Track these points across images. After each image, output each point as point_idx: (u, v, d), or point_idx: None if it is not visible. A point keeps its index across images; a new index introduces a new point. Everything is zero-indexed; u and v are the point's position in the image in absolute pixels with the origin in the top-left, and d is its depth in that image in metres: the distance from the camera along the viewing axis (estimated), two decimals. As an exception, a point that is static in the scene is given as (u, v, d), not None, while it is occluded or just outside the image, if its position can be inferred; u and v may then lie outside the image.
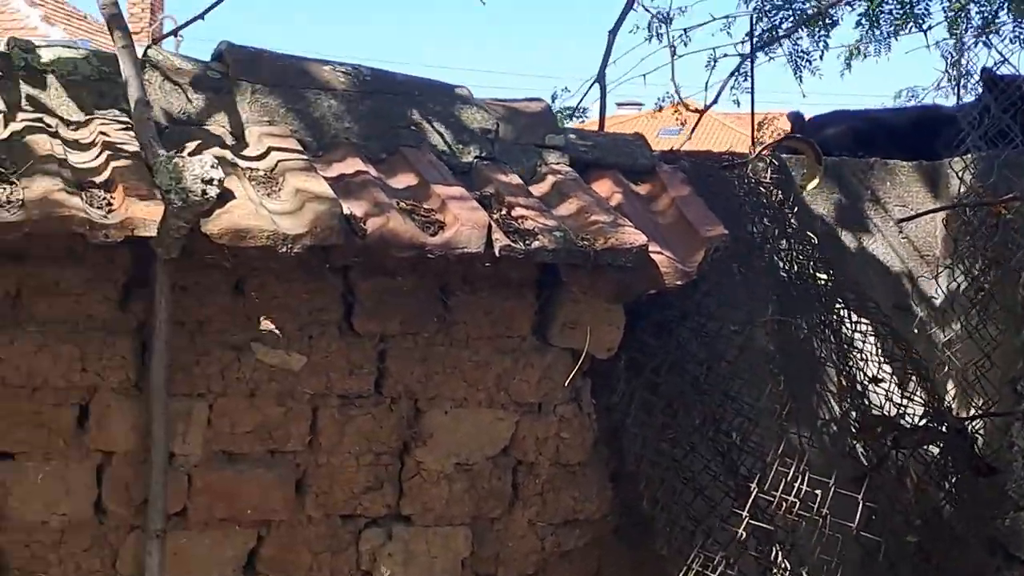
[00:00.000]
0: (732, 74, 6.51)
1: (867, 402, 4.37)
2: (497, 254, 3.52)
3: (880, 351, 4.35)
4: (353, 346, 3.72)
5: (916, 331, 4.54)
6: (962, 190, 4.47)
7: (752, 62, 5.90)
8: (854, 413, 4.41)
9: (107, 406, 3.52)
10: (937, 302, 4.52)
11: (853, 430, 4.38)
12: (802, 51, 6.51)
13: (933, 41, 6.85)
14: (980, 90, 4.74)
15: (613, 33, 5.78)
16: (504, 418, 3.89)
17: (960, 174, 4.41)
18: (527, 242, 3.56)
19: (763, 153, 4.31)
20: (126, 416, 3.54)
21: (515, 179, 3.90)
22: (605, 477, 4.07)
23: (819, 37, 6.49)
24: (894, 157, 4.66)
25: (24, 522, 3.50)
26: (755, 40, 6.28)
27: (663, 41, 6.77)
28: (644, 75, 6.62)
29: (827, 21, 6.48)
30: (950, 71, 6.74)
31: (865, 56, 7.02)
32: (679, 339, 4.07)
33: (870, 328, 4.32)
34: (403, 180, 3.76)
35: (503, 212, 3.68)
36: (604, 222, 3.68)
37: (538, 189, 3.90)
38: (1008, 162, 4.36)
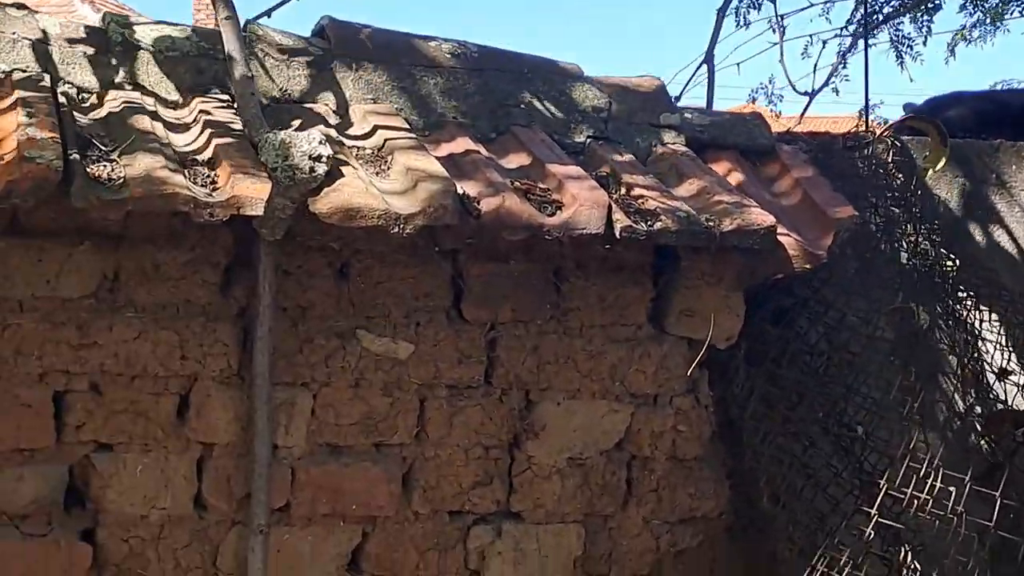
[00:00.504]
0: (841, 56, 6.25)
1: (994, 395, 4.15)
2: (618, 235, 3.33)
3: (1011, 341, 4.12)
4: (462, 334, 3.55)
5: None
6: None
7: (866, 41, 5.65)
8: (979, 407, 4.19)
9: (207, 396, 3.37)
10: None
11: (979, 424, 4.16)
12: (904, 36, 6.28)
13: None
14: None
15: (722, 12, 5.57)
16: (619, 410, 3.70)
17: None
18: (649, 223, 3.37)
19: (885, 134, 4.10)
20: (227, 406, 3.38)
21: (631, 158, 3.71)
22: (722, 473, 3.87)
23: (922, 22, 6.24)
24: (1021, 140, 4.43)
25: (123, 515, 3.34)
26: (864, 19, 6.04)
27: (754, 27, 6.54)
28: (738, 64, 6.40)
29: (930, 5, 6.23)
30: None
31: (968, 42, 6.77)
32: (799, 328, 3.86)
33: (1001, 317, 4.09)
34: (515, 160, 3.58)
35: (622, 192, 3.50)
36: (728, 202, 3.48)
37: (655, 169, 3.71)
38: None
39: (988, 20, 6.38)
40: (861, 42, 5.84)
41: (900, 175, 4.07)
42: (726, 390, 3.79)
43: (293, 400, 3.42)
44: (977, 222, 4.31)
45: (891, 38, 6.23)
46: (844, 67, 6.40)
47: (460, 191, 3.24)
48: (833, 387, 3.90)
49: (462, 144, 3.54)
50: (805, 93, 6.20)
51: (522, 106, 3.77)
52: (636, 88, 3.93)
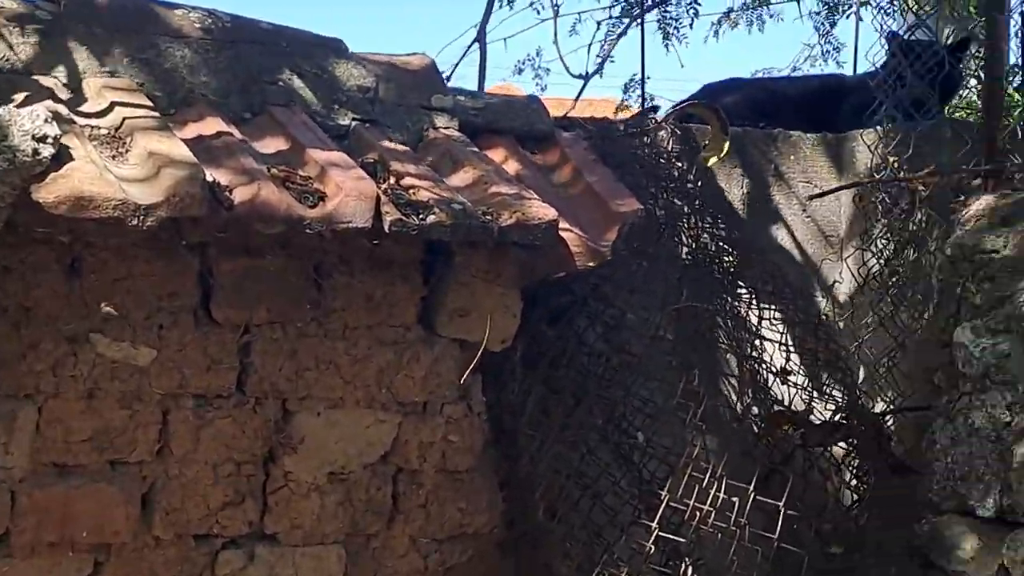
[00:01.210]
0: (616, 37, 5.99)
1: (772, 395, 3.98)
2: (387, 230, 3.01)
3: (791, 340, 3.97)
4: (211, 337, 3.16)
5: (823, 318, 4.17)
6: (874, 164, 4.10)
7: (642, 21, 5.44)
8: (756, 408, 4.02)
9: (-91, 411, 2.91)
10: (842, 287, 4.13)
11: (756, 427, 3.98)
12: (671, 18, 6.09)
13: (806, 11, 6.50)
14: (883, 58, 4.38)
15: None
16: (385, 420, 3.37)
17: (873, 147, 4.04)
18: (421, 216, 3.06)
19: (665, 120, 3.87)
20: (-66, 422, 2.93)
21: (400, 145, 3.39)
22: (496, 485, 3.58)
23: (689, 3, 6.06)
24: (795, 129, 4.27)
25: None
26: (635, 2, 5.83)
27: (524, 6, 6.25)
28: (506, 39, 6.12)
29: None
30: (821, 44, 6.41)
31: (735, 26, 6.64)
32: (578, 328, 3.61)
33: (783, 315, 3.93)
34: (272, 144, 3.22)
35: (392, 182, 3.18)
36: (507, 194, 3.20)
37: (427, 156, 3.39)
38: (924, 134, 4.01)
39: (755, 4, 6.26)
40: (632, 23, 5.63)
41: (682, 164, 3.85)
42: (501, 396, 3.51)
43: (14, 414, 2.99)
44: (757, 215, 4.13)
45: (658, 19, 6.04)
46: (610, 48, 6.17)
47: (210, 179, 2.87)
48: (613, 391, 3.66)
49: (212, 125, 3.16)
50: (580, 76, 5.96)
51: (280, 84, 3.41)
52: (405, 67, 3.60)
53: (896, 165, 3.93)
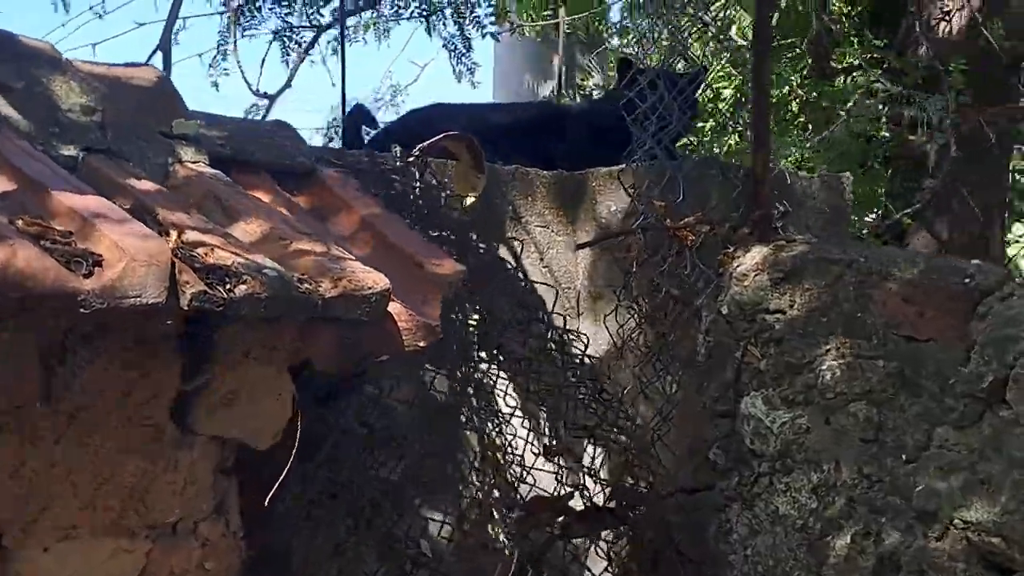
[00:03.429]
0: (304, 53, 5.09)
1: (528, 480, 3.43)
2: (185, 307, 2.22)
3: (548, 411, 3.44)
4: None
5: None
6: (629, 208, 3.64)
7: (342, 33, 4.64)
8: (498, 493, 3.46)
9: None
10: (591, 348, 3.62)
11: (504, 516, 3.42)
12: (292, 27, 5.31)
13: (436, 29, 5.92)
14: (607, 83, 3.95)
15: None
16: (132, 549, 2.53)
17: (631, 188, 3.58)
18: (228, 287, 2.28)
19: (421, 156, 3.22)
20: None
21: (150, 184, 2.56)
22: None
23: (310, 14, 5.31)
24: (513, 163, 3.74)
25: None
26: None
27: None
28: (94, 45, 5.12)
29: None
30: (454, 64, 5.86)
31: (354, 42, 5.95)
32: (342, 406, 2.94)
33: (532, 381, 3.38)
34: (-6, 182, 2.33)
35: (174, 238, 2.36)
36: (316, 254, 2.47)
37: (186, 199, 2.59)
38: (689, 175, 3.60)
39: (378, 21, 5.65)
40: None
41: (442, 205, 3.24)
42: (270, 502, 2.75)
43: None
44: (498, 265, 3.56)
45: (275, 30, 5.29)
46: (224, 58, 5.34)
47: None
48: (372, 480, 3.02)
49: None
50: (265, 95, 5.04)
51: (-19, 100, 2.50)
52: (133, 83, 2.76)
53: (663, 211, 3.48)
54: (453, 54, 5.70)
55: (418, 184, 3.12)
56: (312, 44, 4.86)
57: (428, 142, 3.24)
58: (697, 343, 3.54)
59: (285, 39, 5.25)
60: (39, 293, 2.08)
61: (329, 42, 5.40)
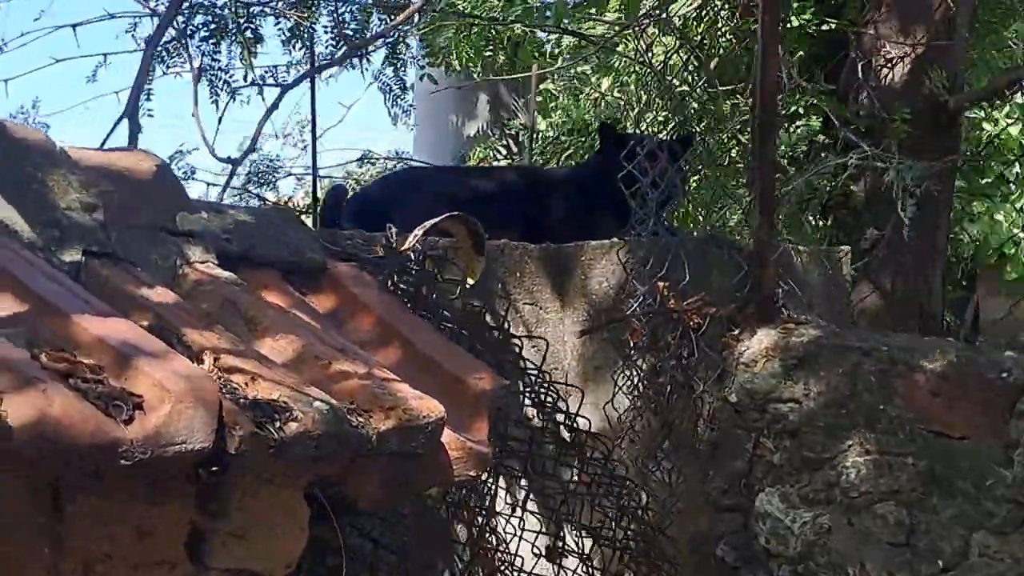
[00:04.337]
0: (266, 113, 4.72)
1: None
2: (235, 451, 1.95)
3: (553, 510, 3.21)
4: None
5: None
6: (604, 286, 3.44)
7: (313, 83, 4.29)
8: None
9: None
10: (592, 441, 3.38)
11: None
12: (220, 68, 4.97)
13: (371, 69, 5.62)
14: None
15: (151, 49, 3.92)
16: None
17: (627, 265, 3.36)
18: (278, 425, 2.01)
19: (420, 241, 2.96)
20: None
21: (165, 293, 2.27)
22: None
23: (242, 52, 4.96)
24: (495, 231, 3.50)
25: None
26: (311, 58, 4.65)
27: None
28: (6, 81, 4.69)
29: (249, 33, 5.01)
30: (390, 106, 5.56)
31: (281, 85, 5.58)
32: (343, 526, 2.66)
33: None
34: None
35: (209, 364, 2.08)
36: (360, 376, 2.21)
37: (203, 310, 2.30)
38: (690, 252, 3.40)
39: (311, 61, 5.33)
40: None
41: (444, 294, 2.99)
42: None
43: None
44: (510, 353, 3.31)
45: (207, 68, 4.93)
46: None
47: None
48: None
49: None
50: (228, 160, 4.63)
51: (-29, 199, 2.18)
52: (130, 174, 2.45)
53: (666, 292, 3.28)
54: (388, 96, 5.45)
55: (423, 271, 2.85)
56: (275, 106, 4.54)
57: (429, 224, 2.98)
58: (699, 431, 3.34)
59: (212, 79, 4.92)
60: (79, 446, 1.80)
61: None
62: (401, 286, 2.78)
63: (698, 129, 5.44)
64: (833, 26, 5.60)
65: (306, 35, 4.93)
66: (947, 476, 2.95)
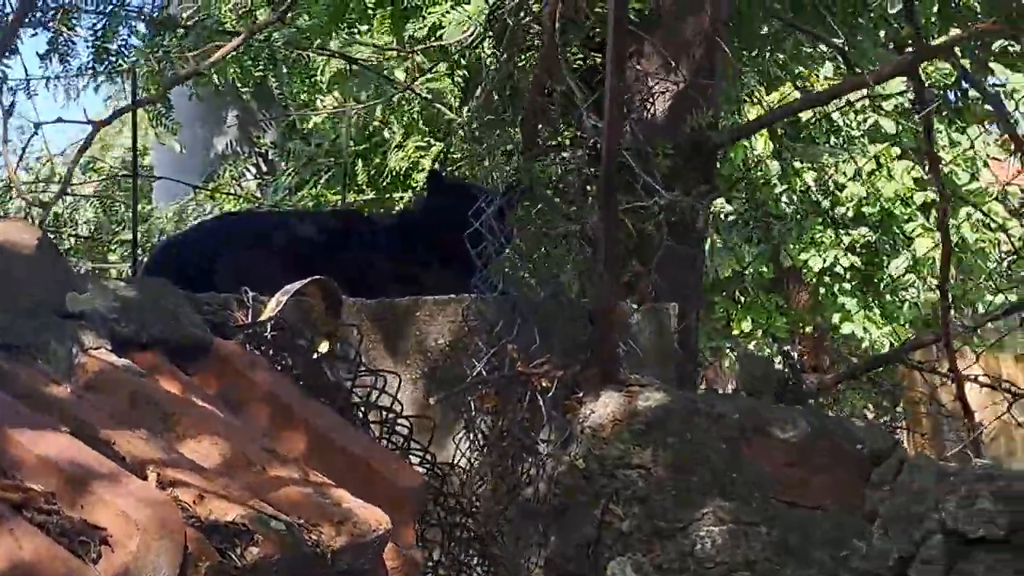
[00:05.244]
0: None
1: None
2: (198, 583, 1.77)
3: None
4: None
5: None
6: (441, 343, 3.34)
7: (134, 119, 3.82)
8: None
9: None
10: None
11: None
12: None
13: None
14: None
15: None
16: None
17: (471, 323, 3.27)
18: (239, 551, 1.83)
19: (279, 308, 2.78)
20: None
21: (75, 390, 2.04)
22: None
23: None
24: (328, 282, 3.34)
25: None
26: None
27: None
28: None
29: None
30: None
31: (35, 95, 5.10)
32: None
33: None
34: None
35: (152, 480, 1.88)
36: (297, 482, 2.05)
37: (115, 408, 2.08)
38: (531, 307, 3.33)
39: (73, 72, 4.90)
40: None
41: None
42: None
43: None
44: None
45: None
46: None
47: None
48: None
49: None
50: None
51: None
52: (12, 248, 2.20)
53: (516, 355, 3.20)
54: (152, 113, 5.12)
55: (299, 343, 2.68)
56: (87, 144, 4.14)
57: (293, 288, 2.81)
58: (544, 496, 3.28)
59: None
60: (47, 595, 1.58)
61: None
62: (284, 361, 2.60)
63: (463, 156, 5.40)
64: (599, 60, 5.63)
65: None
66: (802, 547, 2.99)
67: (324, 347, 2.94)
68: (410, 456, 2.69)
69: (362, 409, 2.64)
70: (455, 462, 3.19)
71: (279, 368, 2.52)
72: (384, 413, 2.67)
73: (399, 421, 2.73)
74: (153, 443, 1.97)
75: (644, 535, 3.15)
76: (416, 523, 2.31)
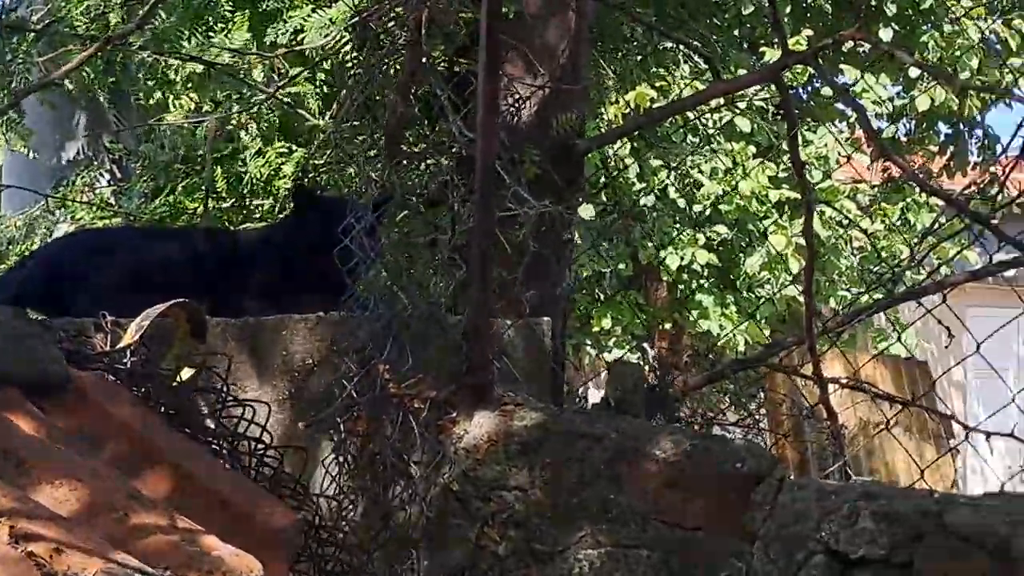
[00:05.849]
0: None
1: None
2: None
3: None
4: None
5: None
6: (308, 363, 3.22)
7: None
8: None
9: None
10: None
11: None
12: None
13: None
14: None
15: None
16: None
17: (335, 339, 3.16)
18: (101, 611, 1.70)
19: (139, 334, 2.64)
20: None
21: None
22: None
23: None
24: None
25: None
26: None
27: None
28: None
29: None
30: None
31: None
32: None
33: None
34: None
35: (4, 534, 1.74)
36: (163, 529, 1.92)
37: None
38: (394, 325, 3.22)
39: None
40: None
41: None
42: None
43: None
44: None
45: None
46: None
47: None
48: None
49: None
50: None
51: None
52: None
53: (385, 374, 3.10)
54: (1, 121, 4.89)
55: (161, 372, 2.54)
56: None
57: (155, 312, 2.67)
58: (417, 520, 3.18)
59: None
60: None
61: None
62: (146, 391, 2.47)
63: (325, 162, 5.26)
64: (465, 65, 5.53)
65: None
66: (683, 569, 2.93)
67: (187, 374, 2.81)
68: (282, 488, 2.56)
69: (230, 439, 2.51)
70: (324, 490, 3.08)
71: (141, 397, 2.38)
72: (253, 444, 2.53)
73: (269, 452, 2.60)
74: (6, 491, 1.83)
75: (521, 559, 3.07)
76: (290, 564, 2.18)
